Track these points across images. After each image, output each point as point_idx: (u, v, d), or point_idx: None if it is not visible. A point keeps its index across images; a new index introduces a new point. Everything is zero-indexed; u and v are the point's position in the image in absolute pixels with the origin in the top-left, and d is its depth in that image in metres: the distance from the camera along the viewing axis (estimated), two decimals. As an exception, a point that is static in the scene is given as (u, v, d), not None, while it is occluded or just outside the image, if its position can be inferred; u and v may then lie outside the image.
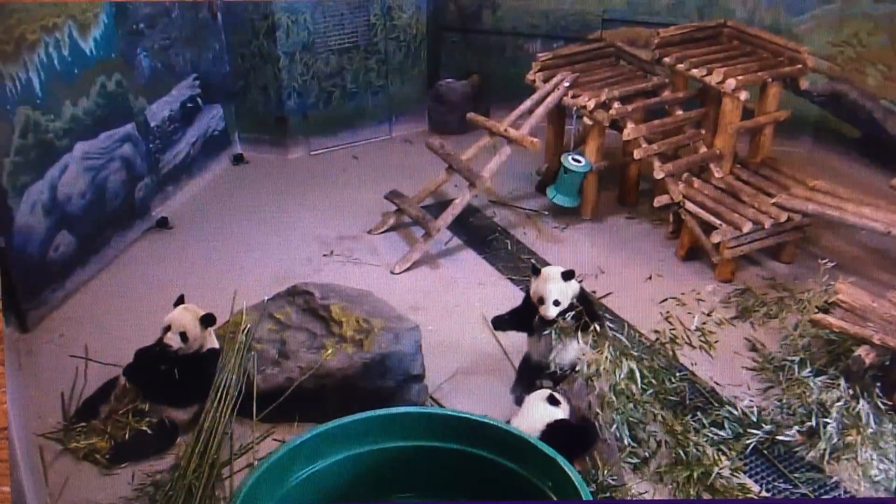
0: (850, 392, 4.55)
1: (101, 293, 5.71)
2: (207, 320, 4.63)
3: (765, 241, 5.86)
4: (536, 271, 4.72)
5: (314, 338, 4.84)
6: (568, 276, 4.66)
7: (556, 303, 4.65)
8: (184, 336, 4.57)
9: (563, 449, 3.80)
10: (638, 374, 4.52)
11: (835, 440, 4.45)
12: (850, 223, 5.64)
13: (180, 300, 4.69)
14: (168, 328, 4.57)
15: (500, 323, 4.98)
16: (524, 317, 4.82)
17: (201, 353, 4.65)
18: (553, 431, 4.13)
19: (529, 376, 4.83)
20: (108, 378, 4.79)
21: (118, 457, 4.45)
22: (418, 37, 7.61)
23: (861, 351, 4.65)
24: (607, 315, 5.54)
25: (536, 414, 4.21)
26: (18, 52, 5.07)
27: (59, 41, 5.35)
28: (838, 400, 4.54)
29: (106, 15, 5.74)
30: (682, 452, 4.41)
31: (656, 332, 5.18)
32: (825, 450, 4.45)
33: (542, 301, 4.65)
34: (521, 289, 5.82)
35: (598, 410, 4.42)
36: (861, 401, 4.52)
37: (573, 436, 4.21)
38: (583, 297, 4.81)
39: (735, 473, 4.33)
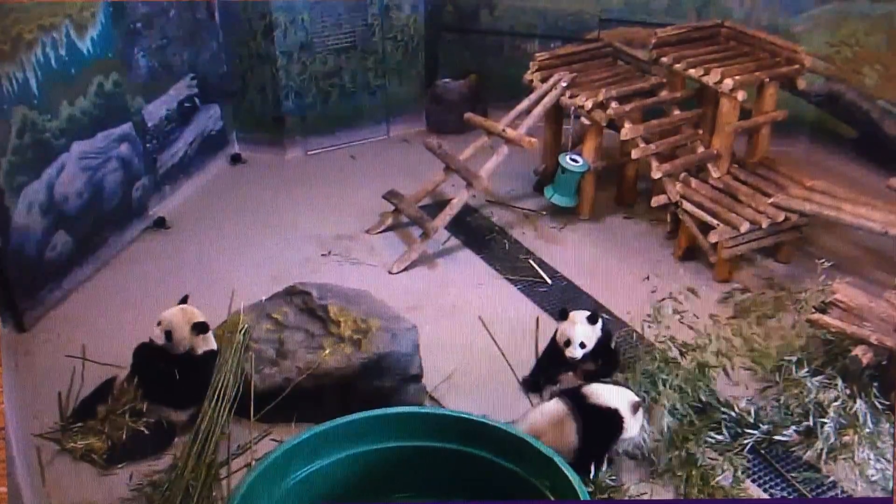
0: (848, 392, 4.56)
1: (99, 293, 5.70)
2: (199, 328, 4.60)
3: (762, 240, 5.87)
4: (564, 315, 4.84)
5: (312, 338, 4.83)
6: (594, 319, 4.81)
7: (582, 345, 4.77)
8: (169, 335, 4.56)
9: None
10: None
11: (832, 440, 4.46)
12: (848, 223, 5.65)
13: (184, 300, 4.69)
14: (159, 324, 4.58)
15: (533, 384, 4.96)
16: (551, 364, 4.91)
17: (198, 354, 4.64)
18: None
19: (549, 371, 4.89)
20: (106, 378, 4.78)
21: (115, 457, 4.44)
22: (416, 37, 7.61)
23: (858, 351, 4.65)
24: (605, 315, 5.56)
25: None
26: (15, 51, 5.06)
27: (56, 41, 5.34)
28: (835, 400, 4.54)
29: (103, 14, 5.73)
30: (683, 454, 4.42)
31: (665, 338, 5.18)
32: (822, 449, 4.45)
33: (568, 343, 4.77)
34: (519, 288, 5.84)
35: None
36: (858, 401, 4.52)
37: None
38: (607, 342, 4.92)
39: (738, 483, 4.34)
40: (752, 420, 4.55)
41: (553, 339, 4.91)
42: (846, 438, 4.45)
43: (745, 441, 4.50)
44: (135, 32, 6.18)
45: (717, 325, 5.36)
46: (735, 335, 5.28)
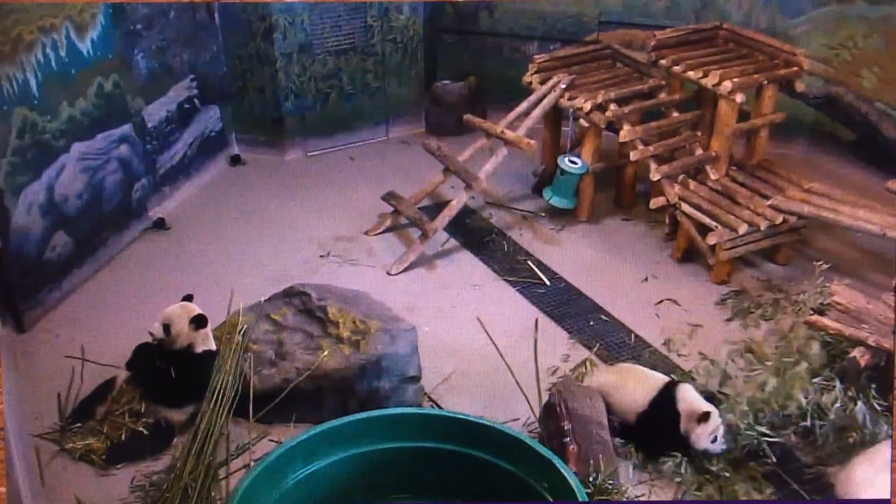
0: (847, 394, 4.56)
1: (98, 294, 5.71)
2: (197, 321, 4.62)
3: (760, 242, 5.87)
4: (706, 416, 4.32)
5: (311, 339, 4.84)
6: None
7: None
8: (167, 329, 4.57)
9: None
10: None
11: (830, 441, 4.46)
12: (846, 225, 5.66)
13: (188, 297, 4.72)
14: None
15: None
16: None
17: (197, 353, 4.65)
18: None
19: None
20: (105, 379, 4.79)
21: (114, 458, 4.44)
22: (415, 38, 7.62)
23: (856, 353, 4.66)
24: (604, 317, 5.58)
25: None
26: (16, 52, 5.06)
27: (56, 42, 5.35)
28: (834, 401, 4.54)
29: (103, 16, 5.74)
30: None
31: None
32: (821, 451, 4.47)
33: (716, 440, 4.36)
34: (517, 290, 5.85)
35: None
36: (858, 403, 4.52)
37: None
38: None
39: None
40: (752, 423, 4.54)
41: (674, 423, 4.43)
42: (845, 440, 4.46)
43: (744, 443, 4.49)
44: (135, 34, 6.18)
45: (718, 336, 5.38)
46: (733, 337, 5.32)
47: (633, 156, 6.20)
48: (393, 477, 4.02)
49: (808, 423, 4.51)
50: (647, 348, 5.25)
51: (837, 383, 4.60)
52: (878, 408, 4.52)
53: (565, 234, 6.50)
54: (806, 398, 4.58)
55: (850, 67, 6.95)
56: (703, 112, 6.42)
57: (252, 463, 4.35)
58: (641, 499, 4.29)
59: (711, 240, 5.76)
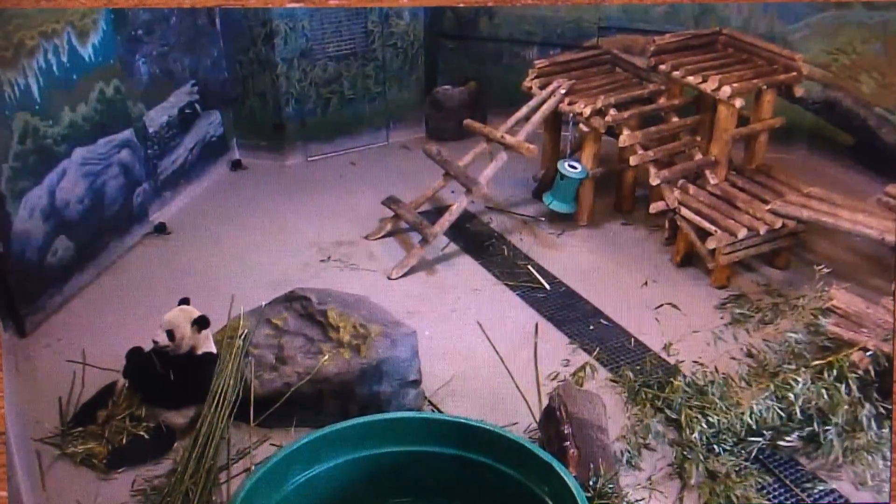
0: (851, 397, 4.57)
1: (99, 298, 5.71)
2: (200, 322, 4.64)
3: (760, 247, 5.88)
4: None
5: (311, 343, 4.85)
6: None
7: None
8: (171, 334, 4.59)
9: None
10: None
11: (830, 446, 4.47)
12: (845, 229, 5.67)
13: (184, 301, 4.72)
14: (161, 326, 4.62)
15: None
16: None
17: (197, 355, 4.66)
18: None
19: None
20: (106, 383, 4.80)
21: (115, 462, 4.45)
22: (416, 44, 7.64)
23: (856, 356, 4.67)
24: (604, 321, 5.58)
25: None
26: (17, 57, 5.08)
27: (57, 47, 5.37)
28: (834, 406, 4.54)
29: (105, 21, 5.76)
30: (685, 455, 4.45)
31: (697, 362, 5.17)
32: (821, 455, 4.48)
33: None
34: (517, 294, 5.85)
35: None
36: (858, 406, 4.52)
37: None
38: None
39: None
40: (754, 427, 4.55)
41: None
42: (845, 444, 4.46)
43: (749, 448, 4.50)
44: (136, 39, 6.20)
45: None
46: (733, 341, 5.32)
47: (632, 160, 6.22)
48: (393, 481, 4.03)
49: (808, 428, 4.52)
50: (647, 352, 5.26)
51: (840, 387, 4.60)
52: (883, 411, 4.53)
53: (565, 239, 6.51)
54: (808, 402, 4.59)
55: (849, 72, 6.95)
56: (703, 117, 6.43)
57: (253, 467, 4.36)
58: (640, 503, 4.29)
59: (711, 244, 5.77)
